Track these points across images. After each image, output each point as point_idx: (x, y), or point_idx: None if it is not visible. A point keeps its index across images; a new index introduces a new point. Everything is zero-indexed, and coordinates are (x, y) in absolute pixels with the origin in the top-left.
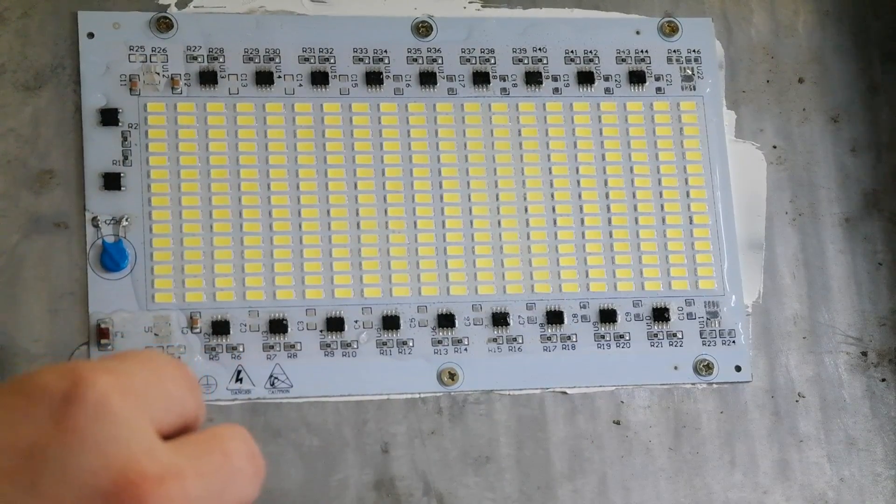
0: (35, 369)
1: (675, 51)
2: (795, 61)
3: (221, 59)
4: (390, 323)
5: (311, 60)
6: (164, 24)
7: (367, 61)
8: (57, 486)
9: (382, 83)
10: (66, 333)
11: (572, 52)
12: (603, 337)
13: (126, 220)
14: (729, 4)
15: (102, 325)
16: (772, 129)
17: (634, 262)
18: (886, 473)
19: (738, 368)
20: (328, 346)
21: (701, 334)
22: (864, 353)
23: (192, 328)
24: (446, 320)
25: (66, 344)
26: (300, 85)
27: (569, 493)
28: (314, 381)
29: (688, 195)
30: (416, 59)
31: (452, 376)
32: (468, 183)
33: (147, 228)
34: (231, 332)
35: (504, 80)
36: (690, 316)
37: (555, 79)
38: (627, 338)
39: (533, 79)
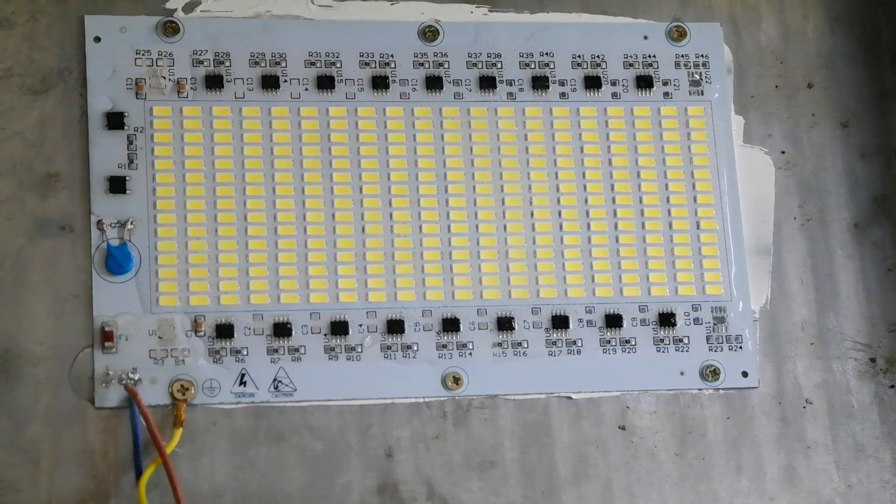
0: None
1: (683, 55)
2: (805, 66)
3: (227, 63)
4: (395, 327)
5: (318, 65)
6: (170, 29)
7: (373, 66)
8: None
9: (388, 87)
10: (70, 336)
11: (579, 56)
12: (609, 342)
13: (131, 223)
14: (738, 9)
15: (107, 328)
16: (780, 135)
17: (641, 267)
18: (895, 480)
19: (744, 374)
20: (332, 349)
21: (707, 340)
22: (873, 360)
23: (196, 331)
24: (451, 325)
25: (70, 347)
26: (306, 89)
27: (573, 498)
28: (318, 385)
29: (695, 200)
30: (422, 64)
31: (457, 381)
32: (474, 187)
33: (152, 232)
34: (235, 335)
35: (510, 85)
36: (697, 321)
37: (562, 83)
38: (633, 343)
39: (540, 83)
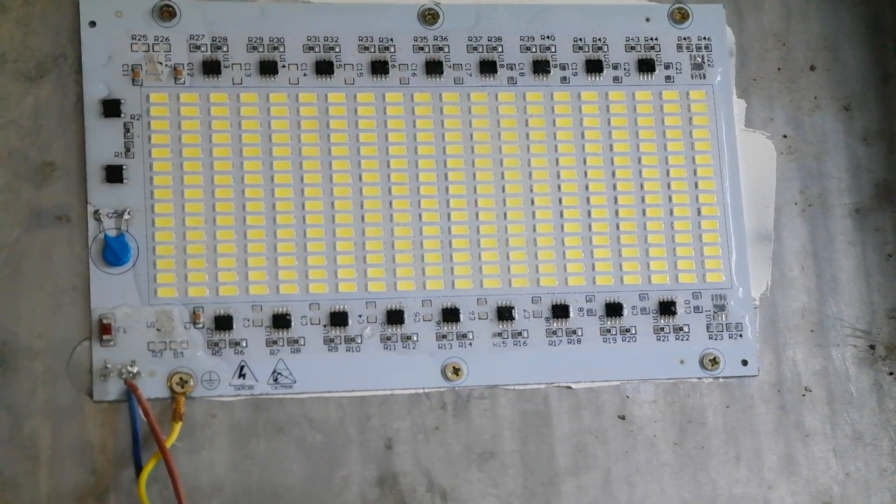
0: None
1: (685, 38)
2: (807, 49)
3: (225, 48)
4: (394, 317)
5: (316, 49)
6: (167, 13)
7: (372, 50)
8: None
9: (388, 72)
10: (67, 329)
11: (581, 39)
12: (609, 331)
13: (128, 213)
14: None
15: (104, 321)
16: (782, 118)
17: (641, 255)
18: (893, 468)
19: (744, 362)
20: (332, 340)
21: (708, 328)
22: (872, 347)
23: (194, 323)
24: (451, 314)
25: (67, 339)
26: (305, 74)
27: (573, 488)
28: (317, 377)
29: (696, 186)
30: (422, 48)
31: (457, 371)
32: (474, 175)
33: (149, 222)
34: (234, 327)
35: (511, 69)
36: (697, 309)
37: (563, 67)
38: (633, 332)
39: (541, 67)
